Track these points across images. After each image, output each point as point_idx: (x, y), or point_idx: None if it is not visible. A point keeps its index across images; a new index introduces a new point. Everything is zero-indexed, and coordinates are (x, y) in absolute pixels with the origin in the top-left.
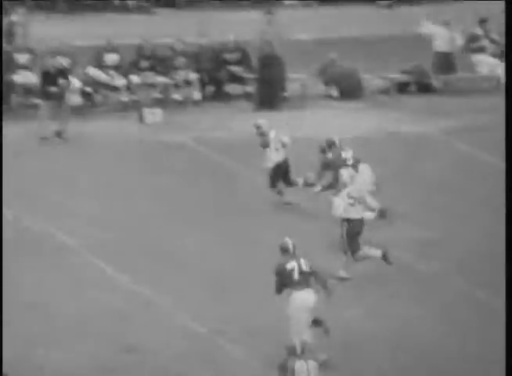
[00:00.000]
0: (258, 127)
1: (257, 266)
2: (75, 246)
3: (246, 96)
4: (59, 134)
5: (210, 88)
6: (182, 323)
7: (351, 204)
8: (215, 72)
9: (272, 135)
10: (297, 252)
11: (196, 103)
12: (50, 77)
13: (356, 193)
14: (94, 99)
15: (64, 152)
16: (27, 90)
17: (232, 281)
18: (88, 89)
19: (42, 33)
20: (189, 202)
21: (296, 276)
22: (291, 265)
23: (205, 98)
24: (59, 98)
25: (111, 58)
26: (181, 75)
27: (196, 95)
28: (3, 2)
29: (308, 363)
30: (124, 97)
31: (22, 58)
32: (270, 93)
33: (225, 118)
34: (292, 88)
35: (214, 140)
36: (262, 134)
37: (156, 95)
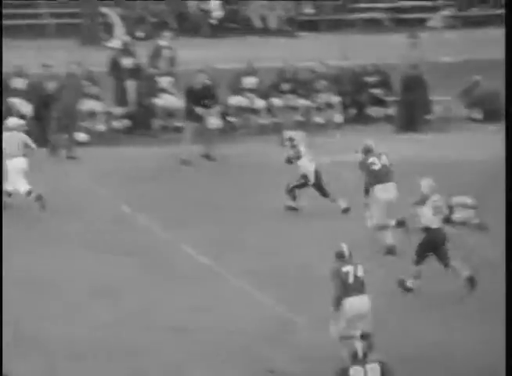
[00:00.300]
0: (291, 139)
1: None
2: (215, 268)
3: (388, 119)
4: (207, 156)
5: (352, 111)
6: (319, 343)
7: (434, 214)
8: (356, 95)
9: (303, 148)
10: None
11: (337, 125)
12: (195, 97)
13: (440, 202)
14: (234, 123)
15: (205, 175)
16: (169, 113)
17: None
18: (230, 118)
19: (185, 56)
20: (326, 225)
21: (351, 279)
22: (347, 268)
23: (346, 121)
24: (202, 119)
25: (250, 81)
26: (322, 98)
27: (338, 117)
28: None
29: (366, 367)
30: (265, 120)
31: (164, 81)
32: (413, 116)
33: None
34: (436, 110)
35: (353, 163)
36: (294, 146)
37: (298, 117)
